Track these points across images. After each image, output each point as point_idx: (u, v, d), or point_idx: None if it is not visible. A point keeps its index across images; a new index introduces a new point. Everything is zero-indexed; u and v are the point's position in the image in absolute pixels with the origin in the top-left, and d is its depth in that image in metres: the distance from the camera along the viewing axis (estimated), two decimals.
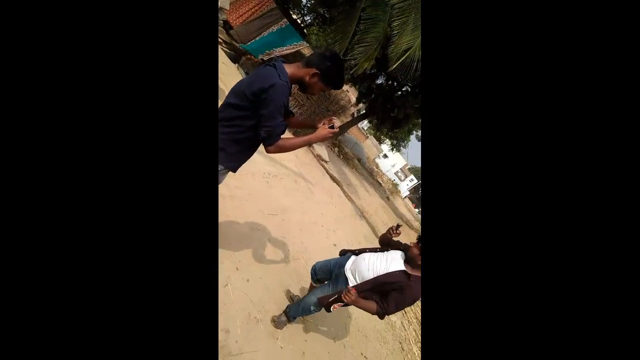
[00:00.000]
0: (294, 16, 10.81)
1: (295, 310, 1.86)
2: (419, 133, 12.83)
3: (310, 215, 3.91)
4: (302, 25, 10.74)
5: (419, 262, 1.53)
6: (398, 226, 1.76)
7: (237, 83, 1.27)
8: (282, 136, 1.22)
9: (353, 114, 12.64)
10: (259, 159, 3.58)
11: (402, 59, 3.73)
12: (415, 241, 1.59)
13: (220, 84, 4.25)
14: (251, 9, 6.46)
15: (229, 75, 5.61)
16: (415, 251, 1.54)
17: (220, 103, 1.22)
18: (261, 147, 1.29)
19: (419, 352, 2.91)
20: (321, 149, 7.11)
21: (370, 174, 15.31)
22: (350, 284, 1.61)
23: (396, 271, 1.55)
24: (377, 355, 2.53)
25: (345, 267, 1.72)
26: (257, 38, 6.31)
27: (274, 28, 6.37)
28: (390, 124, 10.32)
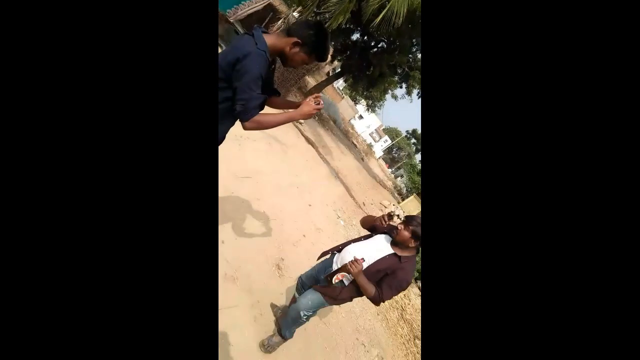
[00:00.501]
0: None
1: (286, 325, 1.68)
2: (395, 92, 12.75)
3: (284, 177, 3.90)
4: None
5: (410, 245, 1.47)
6: (390, 216, 1.67)
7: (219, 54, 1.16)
8: (261, 112, 1.12)
9: (328, 72, 12.23)
10: None
11: (383, 13, 3.56)
12: (400, 225, 1.51)
13: None
14: None
15: None
16: (406, 234, 1.45)
17: None
18: None
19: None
20: None
21: (346, 136, 15.28)
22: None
23: (386, 256, 1.49)
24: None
25: (332, 267, 1.61)
26: None
27: None
28: (365, 83, 10.13)
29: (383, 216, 1.66)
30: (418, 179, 19.05)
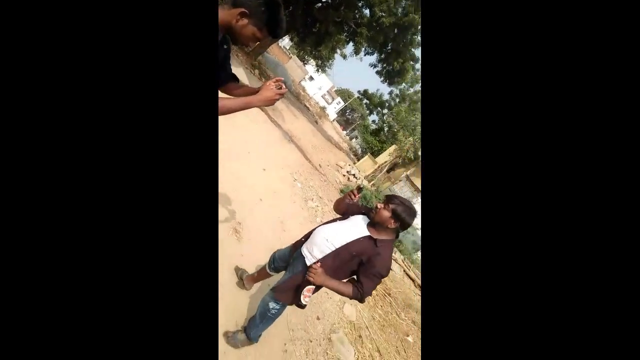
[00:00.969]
0: None
1: (255, 323, 1.51)
2: (344, 50, 12.47)
3: (234, 143, 3.72)
4: None
5: (391, 226, 1.31)
6: (360, 189, 1.54)
7: None
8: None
9: None
10: None
11: None
12: (381, 202, 1.36)
13: None
14: None
15: None
16: (386, 214, 1.30)
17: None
18: None
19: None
20: (239, 71, 6.48)
21: (297, 98, 14.90)
22: (308, 263, 1.35)
23: (360, 238, 1.33)
24: None
25: (302, 247, 1.45)
26: None
27: None
28: (312, 41, 9.75)
29: (351, 191, 1.52)
30: (371, 138, 19.65)
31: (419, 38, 9.92)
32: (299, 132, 8.27)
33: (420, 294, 5.15)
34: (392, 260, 5.34)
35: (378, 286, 3.91)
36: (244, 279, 1.85)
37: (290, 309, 2.14)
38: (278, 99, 1.03)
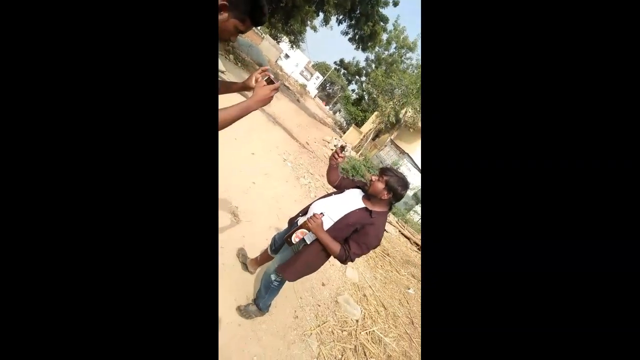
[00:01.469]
0: None
1: (262, 294, 1.62)
2: (314, 23, 12.12)
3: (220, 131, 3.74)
4: None
5: (384, 197, 1.36)
6: (342, 148, 1.53)
7: None
8: None
9: None
10: None
11: None
12: (375, 176, 1.41)
13: None
14: None
15: None
16: (380, 185, 1.35)
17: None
18: None
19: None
20: None
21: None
22: (306, 239, 1.42)
23: (356, 210, 1.39)
24: None
25: (298, 222, 1.52)
26: None
27: None
28: (282, 16, 9.43)
29: (334, 152, 1.51)
30: (353, 109, 19.54)
31: None
32: (282, 113, 8.21)
33: (416, 250, 5.44)
34: (387, 223, 5.55)
35: (377, 248, 4.14)
36: (247, 264, 1.96)
37: (296, 282, 2.30)
38: (273, 96, 0.97)
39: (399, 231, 5.69)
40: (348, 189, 1.54)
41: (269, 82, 0.95)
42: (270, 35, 21.23)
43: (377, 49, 13.42)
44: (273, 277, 1.53)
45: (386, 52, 18.27)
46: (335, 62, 27.30)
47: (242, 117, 0.94)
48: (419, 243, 5.58)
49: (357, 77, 24.08)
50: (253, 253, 2.04)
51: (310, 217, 1.33)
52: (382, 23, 10.69)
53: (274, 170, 4.12)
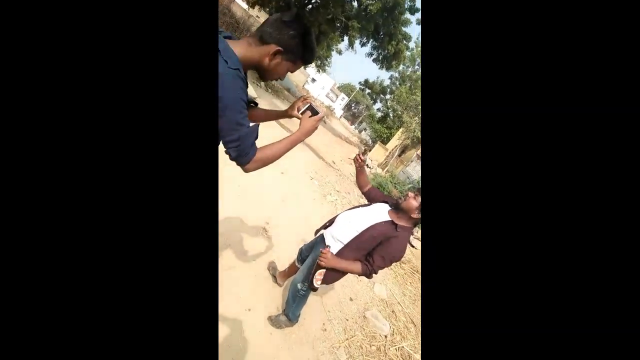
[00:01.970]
0: None
1: (290, 304, 1.68)
2: (339, 46, 12.59)
3: None
4: None
5: (414, 216, 1.38)
6: (365, 151, 1.61)
7: None
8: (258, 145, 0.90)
9: None
10: None
11: None
12: (412, 193, 1.43)
13: None
14: None
15: None
16: (414, 203, 1.37)
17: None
18: None
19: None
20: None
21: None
22: (328, 244, 1.49)
23: (381, 222, 1.41)
24: None
25: (324, 232, 1.57)
26: None
27: None
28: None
29: (357, 156, 1.57)
30: (379, 127, 19.60)
31: (407, 15, 9.91)
32: None
33: None
34: (416, 240, 5.42)
35: (405, 265, 4.07)
36: (276, 276, 2.06)
37: (324, 294, 2.36)
38: (318, 126, 0.98)
39: None
40: (376, 201, 1.60)
41: (311, 110, 0.98)
42: None
43: (401, 66, 13.57)
44: (299, 286, 1.60)
45: (410, 69, 18.40)
46: (360, 83, 27.82)
47: (291, 149, 0.96)
48: None
49: (381, 95, 24.31)
50: (282, 266, 2.15)
51: (320, 257, 1.38)
52: (405, 41, 10.90)
53: (302, 188, 4.27)
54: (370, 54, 11.31)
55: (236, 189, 2.73)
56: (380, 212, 1.47)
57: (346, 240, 1.44)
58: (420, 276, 4.02)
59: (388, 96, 22.67)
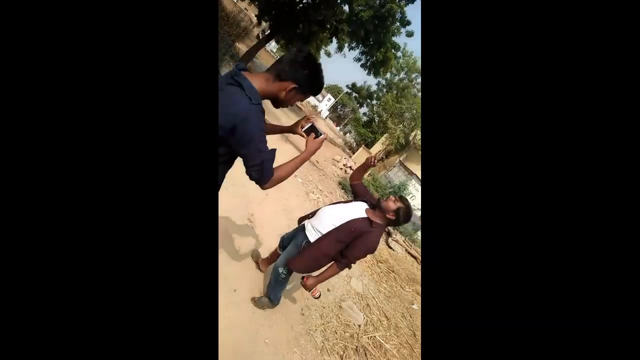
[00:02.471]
0: None
1: (272, 287, 1.83)
2: (327, 48, 12.77)
3: None
4: None
5: (388, 216, 1.57)
6: (381, 158, 1.79)
7: None
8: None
9: (258, 35, 11.76)
10: None
11: None
12: (394, 197, 1.62)
13: None
14: None
15: None
16: (392, 205, 1.56)
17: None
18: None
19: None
20: None
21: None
22: (308, 234, 1.68)
23: (358, 218, 1.59)
24: None
25: (306, 223, 1.75)
26: None
27: None
28: (297, 42, 10.01)
29: (371, 157, 1.75)
30: (364, 130, 19.95)
31: (398, 25, 10.23)
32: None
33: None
34: (395, 242, 5.64)
35: (382, 264, 4.25)
36: (259, 263, 2.17)
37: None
38: (321, 146, 1.12)
39: (406, 250, 5.78)
40: (359, 195, 1.80)
41: (314, 129, 1.13)
42: None
43: (388, 74, 13.93)
44: (280, 270, 1.75)
45: (397, 77, 18.88)
46: (347, 86, 28.16)
47: (298, 168, 1.11)
48: None
49: (368, 100, 24.73)
50: (265, 254, 2.25)
51: (303, 284, 1.65)
52: (393, 50, 11.21)
53: (286, 185, 4.37)
54: (359, 59, 11.55)
55: (223, 184, 2.80)
56: (358, 210, 1.65)
57: (325, 231, 1.62)
58: (395, 276, 4.22)
59: (374, 102, 23.12)
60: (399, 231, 6.50)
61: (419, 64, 18.69)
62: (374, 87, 23.85)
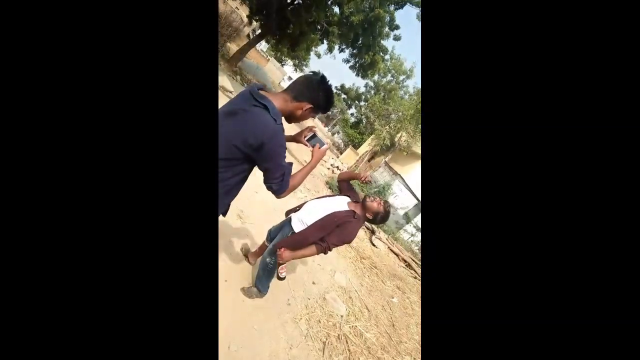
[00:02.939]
0: None
1: (260, 277, 1.95)
2: (317, 49, 12.93)
3: None
4: None
5: (368, 215, 1.75)
6: (370, 177, 1.91)
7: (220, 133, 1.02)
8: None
9: (248, 35, 11.79)
10: None
11: None
12: (381, 200, 1.79)
13: None
14: None
15: None
16: (375, 207, 1.74)
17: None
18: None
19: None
20: (223, 79, 6.84)
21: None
22: (294, 226, 1.80)
23: (342, 210, 1.76)
24: None
25: (293, 215, 1.87)
26: None
27: None
28: (288, 43, 10.12)
29: (364, 177, 1.82)
30: (351, 131, 20.25)
31: (387, 30, 10.50)
32: None
33: (404, 266, 5.74)
34: (378, 239, 5.84)
35: (365, 260, 4.43)
36: (248, 256, 2.32)
37: (289, 277, 2.63)
38: (325, 155, 1.29)
39: (389, 247, 6.01)
40: (344, 190, 1.98)
41: (315, 138, 1.25)
42: (275, 58, 22.23)
43: (376, 76, 14.23)
44: (268, 259, 1.89)
45: (384, 79, 19.24)
46: (336, 87, 28.36)
47: (306, 177, 1.21)
48: (407, 260, 5.89)
49: (356, 101, 25.01)
50: (254, 248, 2.39)
51: (278, 256, 1.72)
52: (382, 54, 11.48)
53: None
54: (347, 61, 11.77)
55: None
56: (342, 203, 1.84)
57: (310, 223, 1.77)
58: (377, 271, 4.43)
59: (362, 103, 23.44)
60: (383, 229, 6.74)
61: (405, 66, 19.11)
62: (362, 89, 24.17)
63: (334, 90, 1.16)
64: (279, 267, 1.81)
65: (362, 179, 1.84)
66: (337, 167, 9.46)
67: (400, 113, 10.67)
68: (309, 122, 1.20)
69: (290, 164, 1.09)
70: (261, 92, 1.04)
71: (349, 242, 1.75)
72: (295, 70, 16.47)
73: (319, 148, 1.23)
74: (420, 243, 8.00)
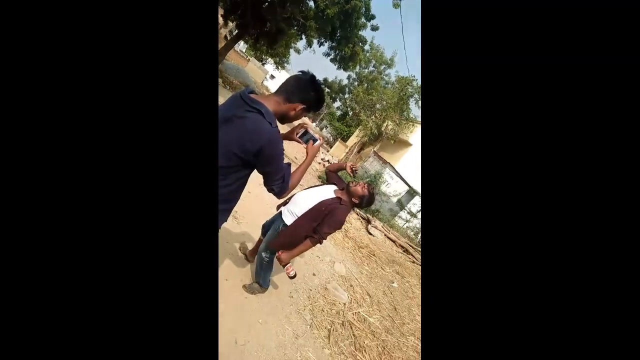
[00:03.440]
0: None
1: (259, 272, 2.00)
2: (297, 45, 12.87)
3: None
4: None
5: (354, 200, 1.81)
6: (357, 169, 1.94)
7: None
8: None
9: (225, 36, 11.65)
10: None
11: None
12: (364, 183, 1.85)
13: None
14: None
15: None
16: (359, 190, 1.79)
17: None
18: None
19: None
20: None
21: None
22: (285, 218, 1.87)
23: (329, 198, 1.82)
24: None
25: (283, 208, 1.93)
26: None
27: None
28: (267, 41, 10.05)
29: (353, 168, 1.90)
30: (339, 125, 20.30)
31: (363, 20, 10.52)
32: None
33: (401, 252, 5.85)
34: (374, 228, 5.92)
35: (363, 249, 4.50)
36: (247, 254, 2.35)
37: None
38: (319, 150, 1.29)
39: (385, 235, 6.10)
40: (330, 179, 2.03)
41: (307, 134, 1.27)
42: (255, 58, 22.02)
43: (358, 67, 14.25)
44: (264, 254, 1.94)
45: (366, 70, 19.29)
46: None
47: (305, 173, 1.22)
48: (404, 246, 6.00)
49: (340, 94, 25.03)
50: (251, 246, 2.42)
51: (278, 259, 1.79)
52: (361, 44, 11.51)
53: None
54: (328, 54, 11.76)
55: None
56: (329, 191, 1.89)
57: (300, 214, 1.82)
58: (375, 259, 4.50)
59: (347, 95, 23.46)
60: (378, 218, 6.82)
61: (385, 55, 19.18)
62: (345, 81, 24.19)
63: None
64: (285, 268, 1.85)
65: (349, 168, 1.88)
66: (328, 160, 9.51)
67: (385, 102, 10.75)
68: (299, 120, 1.22)
69: (289, 164, 1.11)
70: (252, 95, 1.05)
71: (339, 228, 1.80)
72: (277, 68, 16.36)
73: (313, 144, 1.26)
74: (415, 228, 8.13)
